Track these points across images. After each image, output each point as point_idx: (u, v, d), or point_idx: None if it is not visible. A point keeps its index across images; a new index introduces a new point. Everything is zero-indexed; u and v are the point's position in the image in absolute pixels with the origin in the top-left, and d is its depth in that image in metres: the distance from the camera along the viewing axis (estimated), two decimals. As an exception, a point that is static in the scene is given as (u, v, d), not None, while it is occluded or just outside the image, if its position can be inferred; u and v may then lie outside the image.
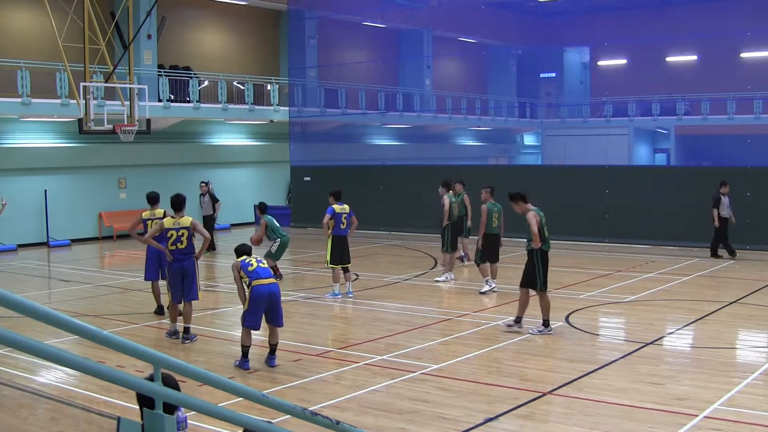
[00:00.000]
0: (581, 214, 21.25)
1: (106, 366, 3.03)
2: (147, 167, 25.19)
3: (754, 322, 11.92)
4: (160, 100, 24.03)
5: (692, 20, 33.98)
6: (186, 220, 10.75)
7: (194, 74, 26.31)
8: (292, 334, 10.97)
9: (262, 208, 15.54)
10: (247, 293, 9.25)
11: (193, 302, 10.97)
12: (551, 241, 11.16)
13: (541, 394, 8.25)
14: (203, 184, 21.44)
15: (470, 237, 17.05)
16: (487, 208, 13.85)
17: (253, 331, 9.41)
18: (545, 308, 10.91)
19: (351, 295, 13.89)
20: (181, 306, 10.96)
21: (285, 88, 28.95)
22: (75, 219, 23.76)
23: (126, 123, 18.55)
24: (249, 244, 10.39)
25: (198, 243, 11.05)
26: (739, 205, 17.86)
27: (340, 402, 8.07)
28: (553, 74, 42.17)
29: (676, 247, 19.65)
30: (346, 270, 13.94)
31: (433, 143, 36.87)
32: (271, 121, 28.23)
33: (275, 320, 9.38)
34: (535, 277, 10.86)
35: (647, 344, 10.31)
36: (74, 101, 18.84)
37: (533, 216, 10.80)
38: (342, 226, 13.77)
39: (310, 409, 4.11)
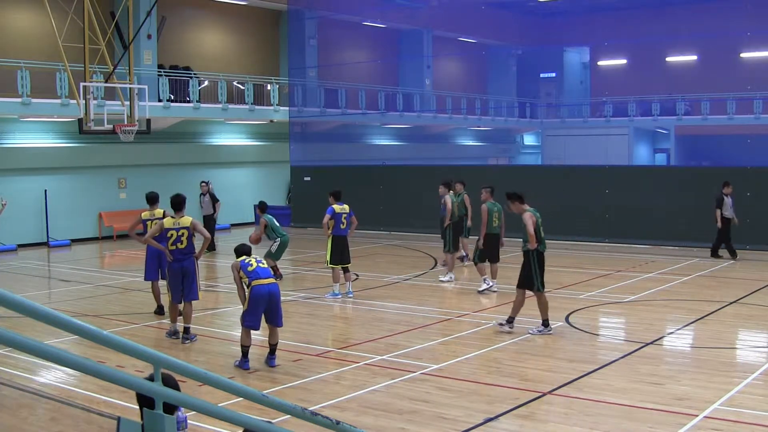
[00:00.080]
0: (581, 214, 21.25)
1: (106, 366, 3.03)
2: (147, 167, 25.19)
3: (754, 322, 11.92)
4: (160, 100, 24.03)
5: (692, 20, 33.99)
6: (186, 220, 10.75)
7: (194, 74, 26.31)
8: (292, 334, 10.97)
9: (262, 208, 15.54)
10: (246, 293, 9.25)
11: (193, 302, 10.97)
12: (548, 242, 11.16)
13: (541, 394, 8.25)
14: (203, 184, 21.44)
15: (470, 237, 17.05)
16: (487, 208, 13.85)
17: (252, 331, 9.41)
18: (543, 308, 10.91)
19: (351, 295, 13.89)
20: (181, 306, 10.96)
21: (285, 88, 28.96)
22: (75, 219, 23.76)
23: (126, 123, 18.55)
24: (248, 244, 10.39)
25: (198, 243, 11.05)
26: (739, 205, 17.85)
27: (340, 402, 8.07)
28: (553, 74, 42.17)
29: (676, 247, 19.65)
30: (346, 270, 13.94)
31: (433, 143, 36.87)
32: (271, 121, 28.23)
33: (275, 320, 9.38)
34: (532, 278, 10.86)
35: (647, 344, 10.31)
36: (74, 101, 18.84)
37: (529, 217, 10.80)
38: (342, 226, 13.77)
39: (310, 409, 4.11)
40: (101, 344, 2.92)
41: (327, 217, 13.68)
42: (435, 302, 13.68)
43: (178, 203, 10.82)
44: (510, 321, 11.05)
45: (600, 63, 40.30)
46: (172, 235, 10.67)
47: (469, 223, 16.72)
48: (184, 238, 10.68)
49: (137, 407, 3.34)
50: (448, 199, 15.65)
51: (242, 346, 9.41)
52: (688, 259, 18.03)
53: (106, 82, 19.31)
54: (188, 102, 25.18)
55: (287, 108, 28.32)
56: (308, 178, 26.47)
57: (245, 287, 9.29)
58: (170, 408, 3.16)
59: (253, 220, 24.97)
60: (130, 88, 18.63)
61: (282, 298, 9.73)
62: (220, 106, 25.94)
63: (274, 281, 9.46)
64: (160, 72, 25.00)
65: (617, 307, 12.99)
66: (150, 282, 12.69)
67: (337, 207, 13.79)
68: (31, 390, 8.31)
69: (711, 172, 21.05)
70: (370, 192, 24.34)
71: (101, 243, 23.79)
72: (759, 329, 11.60)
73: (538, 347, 10.30)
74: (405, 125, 34.93)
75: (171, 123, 25.12)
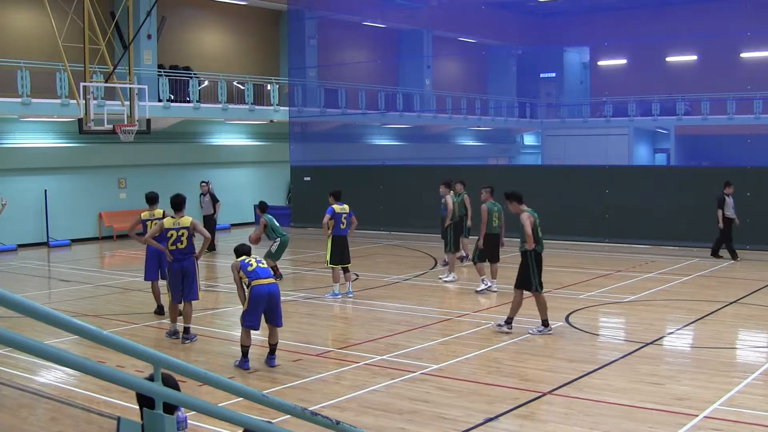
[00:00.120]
0: (581, 214, 21.25)
1: (106, 366, 3.03)
2: (147, 167, 25.19)
3: (754, 322, 11.92)
4: (160, 100, 24.03)
5: (692, 20, 33.99)
6: (186, 220, 10.75)
7: (194, 74, 26.31)
8: (292, 334, 10.97)
9: (262, 208, 15.54)
10: (246, 293, 9.25)
11: (193, 302, 10.97)
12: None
13: (541, 394, 8.25)
14: (204, 184, 21.44)
15: (470, 237, 17.05)
16: (487, 208, 13.86)
17: (252, 331, 9.41)
18: (542, 308, 10.90)
19: (351, 295, 13.89)
20: (181, 306, 10.96)
21: (285, 88, 28.96)
22: (75, 219, 23.76)
23: (126, 123, 18.55)
24: (248, 244, 10.39)
25: (198, 243, 11.05)
26: (739, 205, 17.85)
27: (340, 402, 8.07)
28: (553, 74, 42.17)
29: (676, 247, 19.65)
30: (346, 270, 13.94)
31: (433, 143, 36.87)
32: (271, 121, 28.23)
33: (274, 320, 9.38)
34: (530, 279, 10.85)
35: (647, 344, 10.31)
36: (74, 101, 18.84)
37: (527, 217, 10.80)
38: (342, 226, 13.77)
39: (310, 409, 4.11)
40: (101, 344, 2.92)
41: (327, 217, 13.69)
42: (435, 302, 13.68)
43: (178, 203, 10.83)
44: (508, 322, 11.04)
45: (600, 63, 40.30)
46: (172, 235, 10.67)
47: (468, 223, 16.73)
48: (184, 238, 10.68)
49: (137, 407, 3.34)
50: (450, 199, 15.65)
51: (242, 346, 9.41)
52: (688, 259, 18.03)
53: (106, 82, 19.31)
54: (188, 102, 25.18)
55: (287, 108, 28.32)
56: (308, 178, 26.48)
57: (245, 287, 9.29)
58: (170, 408, 3.16)
59: (253, 220, 24.97)
60: (130, 88, 18.64)
61: (282, 298, 9.73)
62: (220, 106, 25.94)
63: (274, 281, 9.46)
64: (160, 72, 25.01)
65: (617, 307, 12.99)
66: (150, 282, 12.69)
67: (337, 207, 13.79)
68: (31, 390, 8.31)
69: (711, 172, 21.05)
70: (370, 192, 24.34)
71: (101, 243, 23.79)
72: (759, 329, 11.60)
73: (538, 347, 10.30)
74: (405, 125, 34.94)
75: (171, 123, 25.12)
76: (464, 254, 17.37)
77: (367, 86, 32.63)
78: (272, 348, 9.48)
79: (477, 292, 14.13)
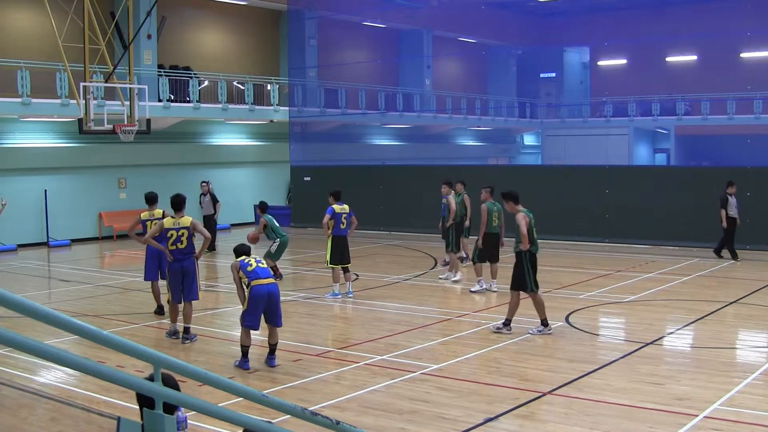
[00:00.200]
0: (581, 214, 21.25)
1: (106, 366, 3.03)
2: (147, 167, 25.19)
3: (754, 322, 11.93)
4: (160, 100, 24.03)
5: (692, 20, 33.98)
6: (186, 220, 10.75)
7: (194, 74, 26.32)
8: (292, 334, 10.97)
9: (262, 208, 15.54)
10: (246, 293, 9.25)
11: (193, 302, 10.97)
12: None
13: (541, 394, 8.25)
14: (204, 184, 21.44)
15: (470, 237, 17.05)
16: (486, 208, 13.86)
17: (252, 331, 9.41)
18: (540, 308, 10.90)
19: (351, 295, 13.89)
20: (181, 306, 10.96)
21: (285, 88, 28.96)
22: (75, 219, 23.76)
23: (126, 123, 18.56)
24: (248, 244, 10.39)
25: (198, 243, 11.05)
26: (739, 205, 17.85)
27: (340, 402, 8.07)
28: (553, 74, 42.17)
29: (676, 247, 19.65)
30: (346, 270, 13.94)
31: (433, 143, 36.87)
32: (271, 121, 28.23)
33: (274, 320, 9.38)
34: (525, 279, 10.85)
35: (647, 344, 10.31)
36: (74, 101, 18.84)
37: (523, 217, 10.80)
38: (342, 226, 13.78)
39: (310, 409, 4.11)
40: (101, 344, 2.92)
41: (327, 217, 13.68)
42: (435, 302, 13.68)
43: (178, 203, 10.83)
44: (506, 324, 11.04)
45: (600, 63, 40.30)
46: (172, 235, 10.68)
47: (467, 223, 16.72)
48: (184, 238, 10.68)
49: (137, 407, 3.34)
50: (452, 199, 15.64)
51: (242, 346, 9.40)
52: (688, 259, 18.03)
53: (106, 82, 19.31)
54: (188, 102, 25.18)
55: (287, 108, 28.32)
56: (308, 178, 26.48)
57: (245, 287, 9.29)
58: (170, 408, 3.16)
59: (253, 220, 24.98)
60: (130, 88, 18.64)
61: (282, 298, 9.73)
62: (220, 106, 25.94)
63: (274, 281, 9.46)
64: (160, 72, 25.01)
65: (617, 307, 12.99)
66: (150, 282, 12.70)
67: (337, 207, 13.79)
68: (31, 390, 8.31)
69: (711, 172, 21.06)
70: (370, 192, 24.34)
71: (101, 243, 23.79)
72: (759, 329, 11.60)
73: (538, 347, 10.30)
74: (405, 125, 34.94)
75: (171, 123, 25.12)
76: (464, 255, 17.36)
77: (367, 86, 32.63)
78: (272, 348, 9.48)
79: (471, 292, 14.14)
